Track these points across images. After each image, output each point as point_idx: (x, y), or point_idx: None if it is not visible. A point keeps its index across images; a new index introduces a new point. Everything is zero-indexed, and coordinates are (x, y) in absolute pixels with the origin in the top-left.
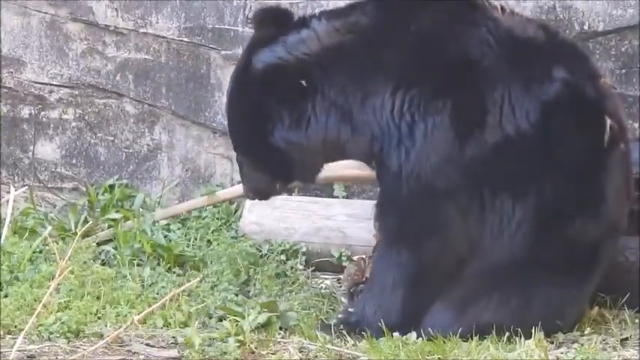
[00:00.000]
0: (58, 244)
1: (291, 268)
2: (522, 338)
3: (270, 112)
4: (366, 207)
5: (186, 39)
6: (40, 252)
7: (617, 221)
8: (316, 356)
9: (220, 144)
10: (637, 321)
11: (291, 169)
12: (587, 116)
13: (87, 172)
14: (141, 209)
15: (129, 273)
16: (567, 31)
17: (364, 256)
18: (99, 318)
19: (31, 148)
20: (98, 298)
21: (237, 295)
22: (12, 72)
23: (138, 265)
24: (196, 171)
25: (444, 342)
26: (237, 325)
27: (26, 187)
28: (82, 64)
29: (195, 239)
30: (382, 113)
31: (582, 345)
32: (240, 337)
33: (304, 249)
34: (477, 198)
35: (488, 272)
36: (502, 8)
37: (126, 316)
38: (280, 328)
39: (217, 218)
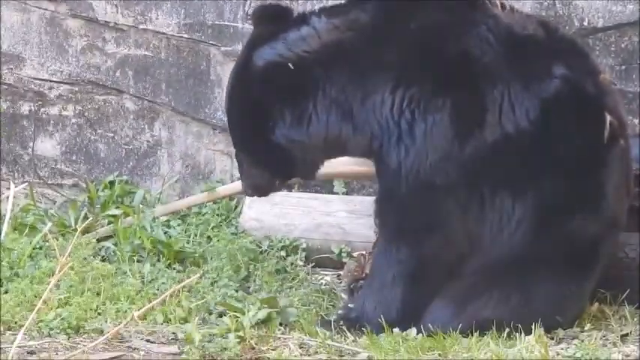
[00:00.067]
0: (58, 240)
1: (291, 264)
2: (522, 334)
3: (271, 109)
4: (366, 203)
5: (185, 35)
6: (40, 248)
7: (617, 218)
8: (316, 352)
9: (220, 140)
10: (637, 317)
11: (291, 166)
12: (586, 113)
13: (87, 169)
14: (141, 205)
15: (129, 269)
16: (567, 28)
17: (364, 252)
18: (99, 314)
19: (31, 144)
20: (98, 294)
21: (237, 291)
22: (12, 68)
23: (138, 261)
24: (196, 167)
25: (444, 338)
26: (237, 321)
27: (26, 184)
28: (81, 61)
29: (195, 235)
30: (382, 111)
31: (582, 341)
32: (240, 333)
33: (304, 245)
34: (476, 196)
35: (488, 269)
36: (502, 5)
37: (126, 312)
38: (280, 324)
39: (217, 214)
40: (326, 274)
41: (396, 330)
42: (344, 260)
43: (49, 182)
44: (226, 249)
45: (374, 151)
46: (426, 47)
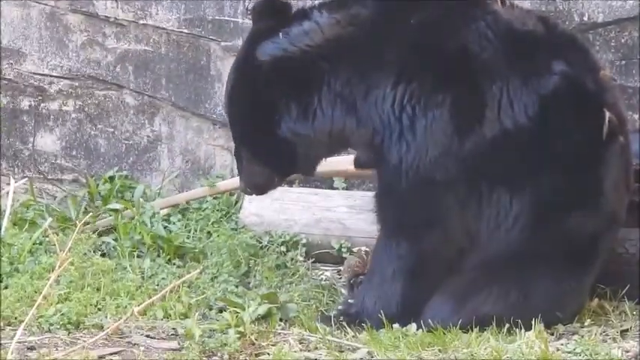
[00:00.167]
0: (58, 235)
1: (292, 259)
2: (522, 330)
3: (277, 103)
4: (366, 199)
5: (186, 30)
6: (40, 243)
7: (616, 213)
8: (316, 347)
9: (220, 135)
10: (637, 313)
11: (293, 161)
12: (586, 109)
13: (87, 164)
14: (141, 200)
15: (129, 264)
16: (567, 23)
17: (366, 249)
18: (99, 309)
19: (31, 139)
20: (98, 289)
21: (237, 286)
22: (12, 63)
23: (138, 256)
24: (196, 162)
25: (444, 333)
26: (237, 316)
27: (26, 179)
28: (82, 56)
29: (196, 231)
30: (383, 106)
31: (582, 336)
32: (241, 329)
33: (304, 240)
34: (475, 191)
35: (487, 265)
36: (502, 1)
37: (126, 307)
38: (280, 320)
39: (217, 210)
40: (326, 270)
41: (396, 325)
42: (344, 255)
43: (49, 177)
44: (226, 244)
45: (375, 146)
46: (426, 43)
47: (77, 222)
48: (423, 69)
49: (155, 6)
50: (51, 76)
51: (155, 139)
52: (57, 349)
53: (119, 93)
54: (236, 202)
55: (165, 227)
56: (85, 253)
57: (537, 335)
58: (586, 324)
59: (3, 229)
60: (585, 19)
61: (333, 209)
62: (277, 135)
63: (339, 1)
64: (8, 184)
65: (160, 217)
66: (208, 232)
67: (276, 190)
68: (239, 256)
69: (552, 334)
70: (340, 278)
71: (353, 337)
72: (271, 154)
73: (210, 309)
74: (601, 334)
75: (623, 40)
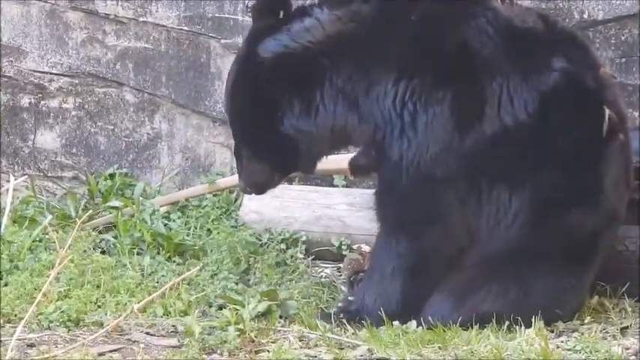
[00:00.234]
0: (58, 232)
1: (291, 256)
2: (522, 327)
3: (279, 99)
4: (366, 196)
5: (186, 28)
6: (40, 241)
7: (616, 211)
8: (316, 345)
9: (220, 133)
10: (637, 310)
11: (295, 158)
12: (586, 106)
13: (87, 161)
14: (141, 198)
15: (129, 262)
16: (567, 20)
17: (366, 246)
18: (99, 307)
19: (31, 137)
20: (98, 286)
21: (237, 283)
22: (12, 61)
23: (138, 254)
24: (196, 160)
25: (444, 331)
26: (237, 313)
27: (26, 176)
28: (82, 53)
29: (195, 228)
30: (385, 103)
31: (582, 334)
32: (240, 326)
33: (304, 238)
34: (475, 188)
35: (487, 262)
36: None
37: (126, 304)
38: (280, 317)
39: (217, 207)
40: (326, 267)
41: (395, 323)
42: (344, 253)
43: (49, 175)
44: (226, 242)
45: (376, 142)
46: (427, 39)
47: (77, 219)
48: (423, 65)
49: (155, 3)
50: (51, 73)
51: (155, 137)
52: (57, 347)
53: (119, 90)
54: (236, 200)
55: (165, 225)
56: (85, 251)
57: (537, 333)
58: (586, 321)
59: (3, 226)
60: (585, 16)
61: (333, 207)
62: (279, 132)
63: None
64: (8, 181)
65: (160, 215)
66: (208, 230)
67: (275, 188)
68: (239, 254)
69: (552, 332)
70: (340, 276)
71: (353, 334)
72: (272, 151)
73: (210, 306)
74: (601, 331)
75: (623, 38)
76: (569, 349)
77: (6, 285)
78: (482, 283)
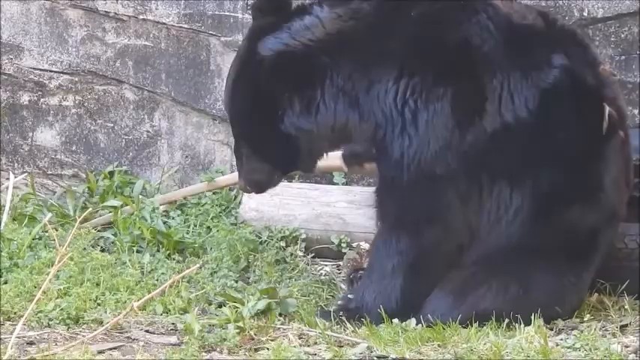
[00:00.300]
0: (57, 230)
1: (291, 254)
2: (522, 325)
3: (280, 98)
4: (365, 194)
5: (185, 25)
6: (40, 238)
7: (616, 208)
8: (316, 342)
9: (220, 130)
10: (636, 308)
11: (295, 157)
12: (586, 103)
13: (86, 159)
14: (140, 196)
15: (128, 259)
16: (567, 18)
17: (366, 244)
18: (98, 304)
19: (31, 134)
20: (97, 284)
21: (236, 281)
22: (12, 58)
23: (137, 251)
24: (196, 157)
25: (444, 329)
26: (236, 311)
27: (26, 174)
28: (81, 51)
29: (195, 226)
30: (386, 100)
31: (582, 331)
32: (240, 324)
33: (304, 235)
34: (475, 185)
35: (487, 259)
36: None
37: (125, 302)
38: (280, 315)
39: (217, 205)
40: (325, 265)
41: (395, 320)
42: (343, 251)
43: (49, 172)
44: (226, 239)
45: (377, 140)
46: (427, 36)
47: (76, 217)
48: (424, 62)
49: (155, 1)
50: (51, 71)
51: (155, 135)
52: (56, 344)
53: (119, 88)
54: (235, 197)
55: (164, 222)
56: (85, 248)
57: (537, 330)
58: (585, 319)
59: (2, 223)
60: (585, 14)
61: (332, 204)
62: (280, 130)
63: None
64: (8, 179)
65: (160, 212)
66: (208, 227)
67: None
68: (238, 251)
69: (552, 329)
70: (340, 273)
71: (352, 332)
72: (273, 149)
73: (210, 304)
74: (600, 329)
75: (622, 36)
76: (568, 347)
77: (5, 283)
78: (482, 281)
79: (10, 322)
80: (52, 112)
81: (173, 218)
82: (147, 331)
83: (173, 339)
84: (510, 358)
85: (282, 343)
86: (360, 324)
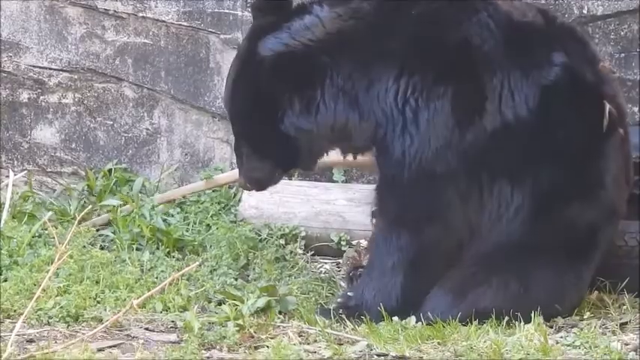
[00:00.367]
0: (57, 228)
1: (291, 252)
2: (522, 323)
3: (280, 98)
4: (365, 191)
5: (185, 23)
6: (40, 236)
7: (616, 206)
8: (315, 340)
9: (219, 128)
10: (636, 305)
11: (295, 156)
12: (585, 101)
13: (86, 157)
14: (140, 193)
15: (128, 257)
16: (566, 15)
17: (365, 242)
18: (98, 302)
19: (30, 132)
20: (97, 282)
21: (236, 279)
22: (11, 56)
23: (137, 249)
24: (195, 155)
25: (444, 326)
26: (236, 309)
27: (25, 172)
28: (81, 49)
29: (195, 223)
30: (386, 100)
31: (582, 329)
32: (240, 322)
33: (303, 233)
34: (476, 183)
35: (487, 257)
36: None
37: (125, 300)
38: (279, 313)
39: (216, 202)
40: (325, 262)
41: (395, 318)
42: (343, 248)
43: (48, 170)
44: (225, 237)
45: (377, 139)
46: (427, 35)
47: (76, 215)
48: (424, 61)
49: None
50: (50, 68)
51: (154, 132)
52: (56, 342)
53: (118, 86)
54: (235, 195)
55: (164, 220)
56: (84, 246)
57: (537, 328)
58: (585, 317)
59: (2, 221)
60: (585, 11)
61: (332, 202)
62: (280, 130)
63: None
64: (7, 176)
65: (159, 210)
66: (207, 225)
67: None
68: (238, 249)
69: (551, 327)
70: (339, 271)
71: (352, 329)
72: (273, 148)
73: (210, 302)
74: (600, 326)
75: (622, 33)
76: (568, 345)
77: (5, 280)
78: (482, 279)
79: (10, 320)
80: (51, 109)
81: (173, 216)
82: (146, 328)
83: (173, 337)
84: (510, 355)
85: (282, 340)
86: (359, 322)
